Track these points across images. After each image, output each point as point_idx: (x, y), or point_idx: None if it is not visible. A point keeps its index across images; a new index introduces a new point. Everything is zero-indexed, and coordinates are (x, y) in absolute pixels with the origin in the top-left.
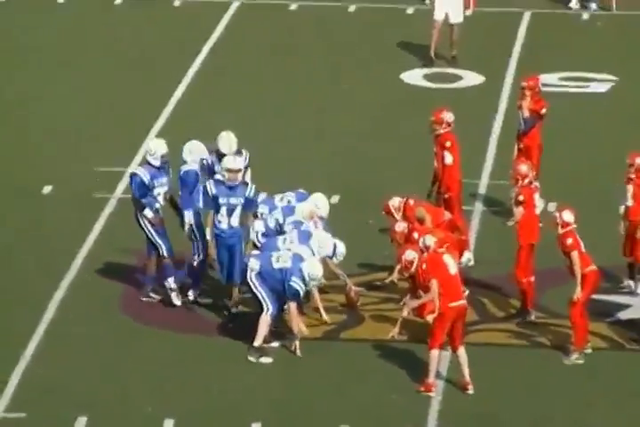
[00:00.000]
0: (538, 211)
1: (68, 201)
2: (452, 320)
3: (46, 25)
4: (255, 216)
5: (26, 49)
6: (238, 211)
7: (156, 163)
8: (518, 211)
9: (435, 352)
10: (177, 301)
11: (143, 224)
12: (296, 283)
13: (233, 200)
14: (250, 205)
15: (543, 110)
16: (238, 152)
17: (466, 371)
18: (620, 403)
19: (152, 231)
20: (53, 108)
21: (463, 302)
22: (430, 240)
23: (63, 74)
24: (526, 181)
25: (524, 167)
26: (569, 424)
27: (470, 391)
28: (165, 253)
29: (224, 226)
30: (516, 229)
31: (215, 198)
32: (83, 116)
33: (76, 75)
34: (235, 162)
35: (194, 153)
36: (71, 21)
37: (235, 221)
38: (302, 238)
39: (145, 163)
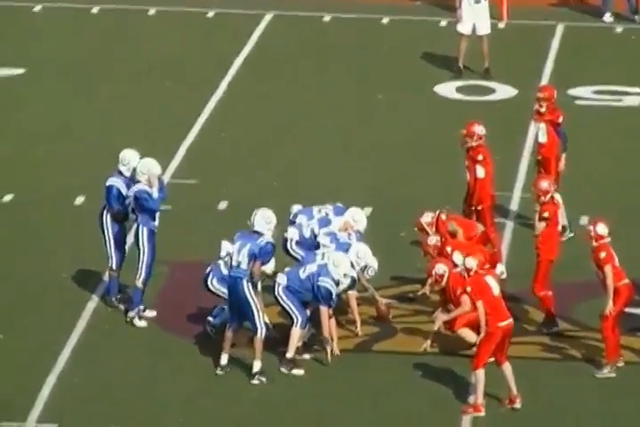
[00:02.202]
0: (559, 227)
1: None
2: (499, 340)
3: (79, 36)
4: (292, 224)
5: (60, 60)
6: None
7: (127, 174)
8: (540, 225)
9: (480, 372)
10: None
11: (106, 233)
12: (324, 282)
13: None
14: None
15: (560, 119)
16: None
17: (513, 385)
18: None
19: (111, 241)
20: (86, 119)
21: (511, 320)
22: (472, 262)
23: (97, 85)
24: (548, 196)
25: (544, 183)
26: None
27: (518, 406)
28: (114, 266)
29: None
30: (536, 244)
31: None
32: (116, 126)
33: (109, 86)
34: None
35: (148, 172)
36: (105, 32)
37: None
38: (340, 251)
39: (116, 172)
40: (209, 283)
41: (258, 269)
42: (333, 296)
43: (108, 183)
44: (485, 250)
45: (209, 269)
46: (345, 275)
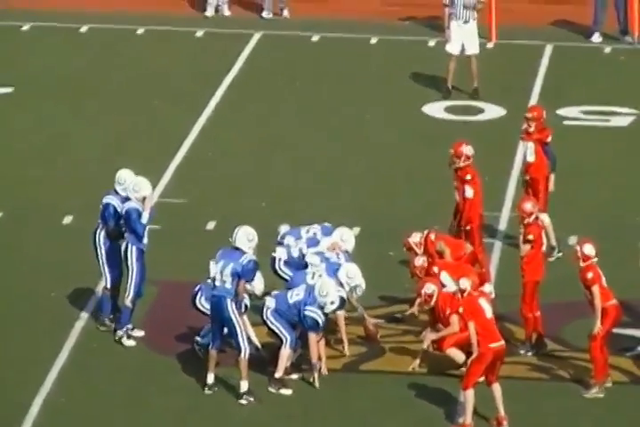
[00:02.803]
0: (544, 248)
1: (89, 231)
2: (490, 361)
3: (68, 55)
4: (280, 244)
5: (49, 78)
6: None
7: (123, 193)
8: (525, 248)
9: (470, 393)
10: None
11: (99, 251)
12: (312, 311)
13: None
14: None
15: (549, 138)
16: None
17: (500, 406)
18: None
19: (104, 260)
20: (75, 138)
21: (502, 343)
22: (466, 283)
23: (85, 104)
24: (532, 218)
25: (528, 205)
26: None
27: None
28: (108, 285)
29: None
30: (521, 265)
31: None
32: (105, 145)
33: (97, 105)
34: None
35: (140, 191)
36: (93, 51)
37: None
38: (330, 271)
39: (113, 191)
40: (197, 301)
41: (242, 287)
42: (320, 325)
43: (104, 201)
44: (474, 270)
45: (198, 287)
46: (332, 302)
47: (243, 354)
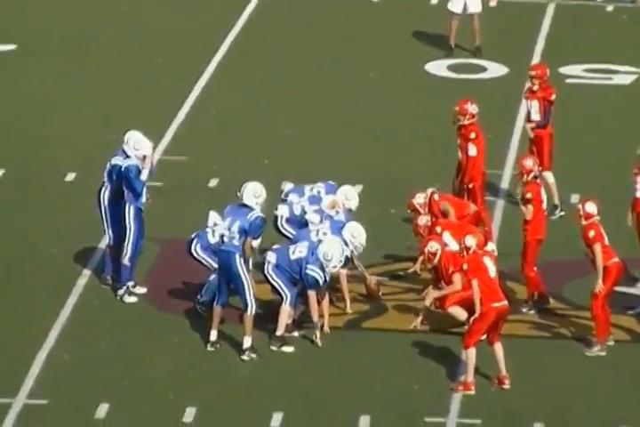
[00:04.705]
0: (544, 205)
1: (92, 188)
2: (493, 320)
3: (70, 13)
4: (283, 201)
5: (52, 36)
6: None
7: (130, 153)
8: (528, 209)
9: (472, 351)
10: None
11: (103, 210)
12: (313, 270)
13: None
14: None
15: (553, 96)
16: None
17: (502, 365)
18: None
19: (108, 219)
20: (78, 95)
21: (505, 302)
22: (472, 241)
23: (87, 61)
24: (531, 175)
25: (529, 162)
26: (591, 416)
27: (507, 386)
28: (111, 244)
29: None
30: (523, 225)
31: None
32: (107, 103)
33: (100, 62)
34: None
35: (140, 149)
36: (93, 8)
37: None
38: (335, 229)
39: (121, 151)
40: (192, 249)
41: (248, 244)
42: (320, 284)
43: (113, 162)
44: (477, 230)
45: (194, 234)
46: (335, 266)
47: (249, 310)
